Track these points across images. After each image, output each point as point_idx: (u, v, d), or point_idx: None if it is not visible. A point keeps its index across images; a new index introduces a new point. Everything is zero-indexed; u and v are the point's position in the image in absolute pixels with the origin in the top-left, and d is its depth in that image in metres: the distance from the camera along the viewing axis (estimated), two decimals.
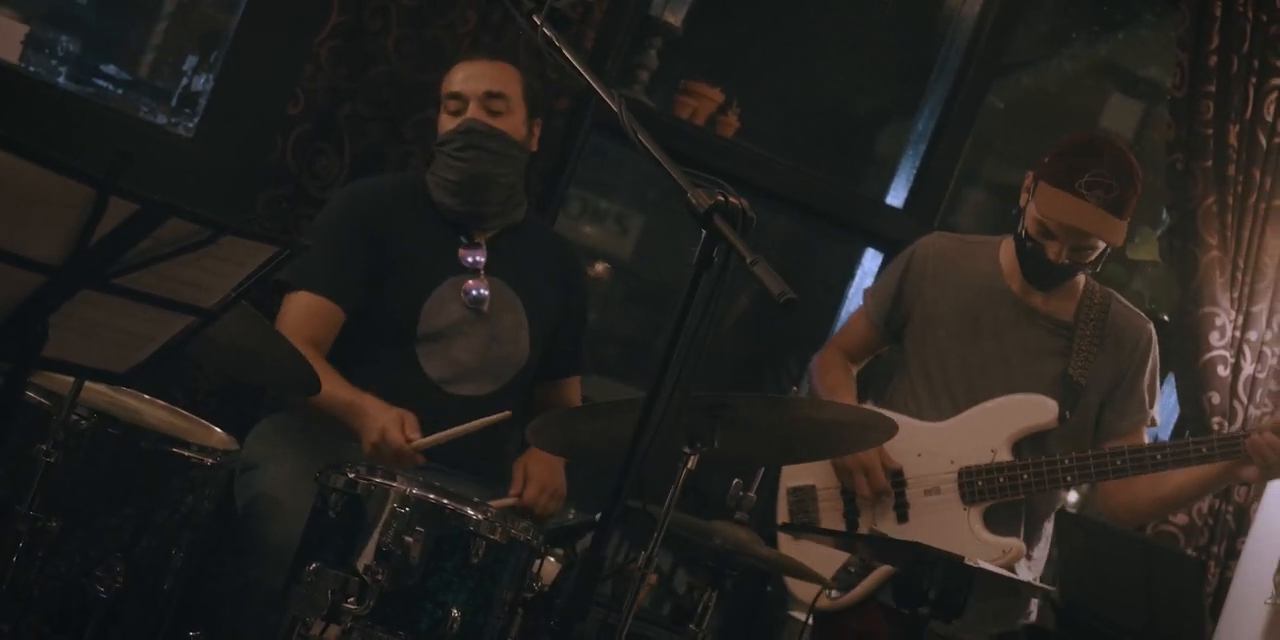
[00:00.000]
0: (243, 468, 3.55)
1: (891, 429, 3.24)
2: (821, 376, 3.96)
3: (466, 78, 3.68)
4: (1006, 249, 3.86)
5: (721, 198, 2.48)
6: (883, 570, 3.72)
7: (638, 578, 2.99)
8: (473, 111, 3.65)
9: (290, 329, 3.42)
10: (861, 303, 4.03)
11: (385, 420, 3.37)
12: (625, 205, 5.52)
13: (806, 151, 5.21)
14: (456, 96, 3.68)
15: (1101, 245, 3.69)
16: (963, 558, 3.11)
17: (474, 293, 3.67)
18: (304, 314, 3.54)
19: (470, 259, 3.69)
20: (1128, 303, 3.91)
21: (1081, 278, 3.84)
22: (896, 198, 5.03)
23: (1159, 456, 3.59)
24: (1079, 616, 2.56)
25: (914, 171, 5.00)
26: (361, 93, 4.16)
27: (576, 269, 3.97)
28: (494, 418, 3.35)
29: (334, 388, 3.41)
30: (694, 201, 2.48)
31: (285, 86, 4.07)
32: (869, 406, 3.84)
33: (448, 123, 3.68)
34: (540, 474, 3.66)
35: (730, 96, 4.81)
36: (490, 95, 3.65)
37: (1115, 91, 6.02)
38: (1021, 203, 3.77)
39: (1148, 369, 3.83)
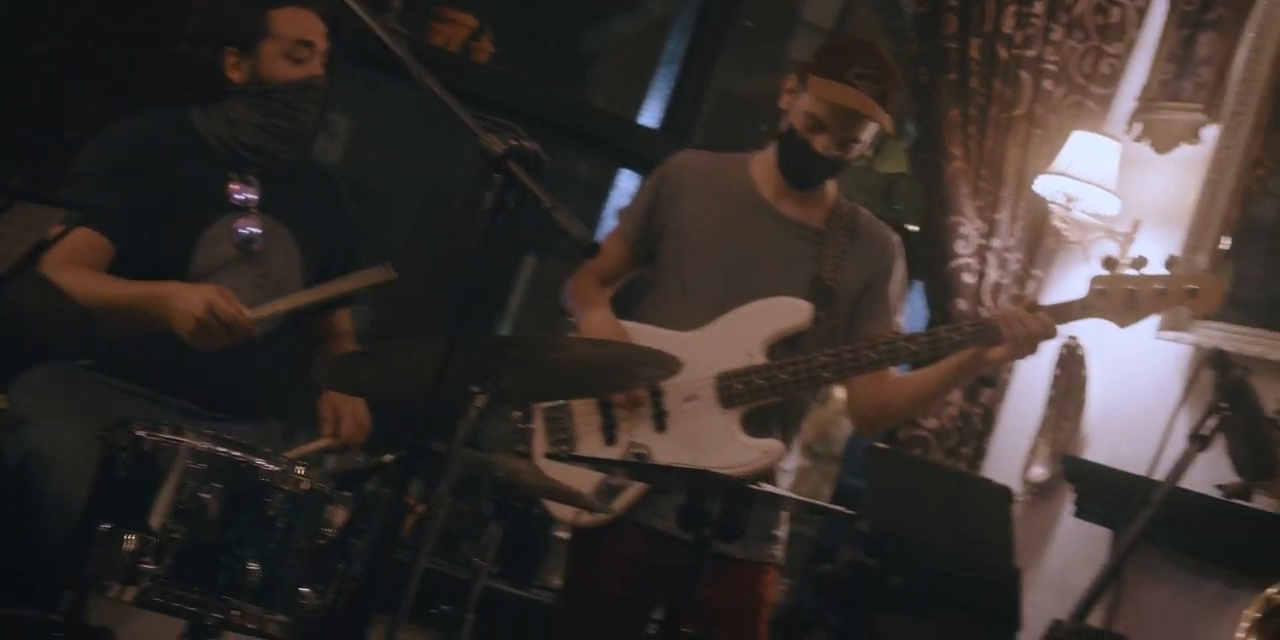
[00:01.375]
0: (11, 423, 3.45)
1: (675, 366, 3.28)
2: (575, 299, 3.98)
3: (311, 27, 3.63)
4: (759, 162, 3.89)
5: (515, 142, 2.47)
6: (636, 488, 3.76)
7: (431, 514, 3.01)
8: (317, 65, 3.60)
9: (61, 260, 3.33)
10: (616, 223, 4.05)
11: (206, 294, 3.35)
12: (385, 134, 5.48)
13: (560, 75, 5.22)
14: (307, 44, 3.62)
15: (864, 140, 3.75)
16: (745, 482, 3.17)
17: (244, 231, 3.62)
18: (76, 245, 3.43)
19: (241, 197, 3.63)
20: (872, 215, 3.97)
21: (833, 189, 3.90)
22: (651, 118, 5.06)
23: (912, 346, 3.65)
24: (892, 547, 2.65)
25: (669, 92, 5.03)
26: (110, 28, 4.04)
27: (342, 199, 3.93)
28: (362, 280, 3.34)
29: (126, 286, 3.36)
30: (487, 146, 2.47)
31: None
32: (628, 324, 3.86)
33: (284, 68, 3.61)
34: (350, 408, 3.66)
35: (483, 22, 4.78)
36: (319, 48, 3.63)
37: None
38: (785, 104, 3.81)
39: (894, 277, 3.89)
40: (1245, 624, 2.70)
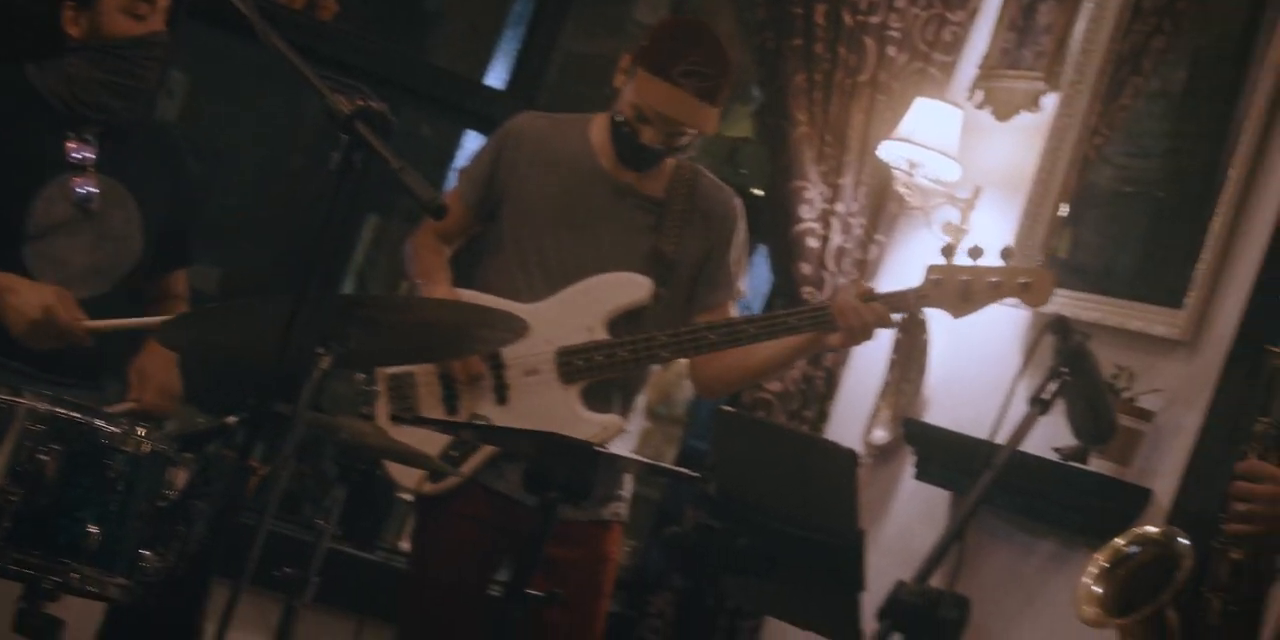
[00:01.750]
0: None
1: (523, 329, 3.27)
2: (416, 260, 3.95)
3: None
4: (598, 126, 3.87)
5: (362, 102, 2.44)
6: (484, 452, 3.76)
7: (274, 476, 2.98)
8: (158, 21, 3.53)
9: None
10: (456, 183, 4.02)
11: (46, 298, 3.28)
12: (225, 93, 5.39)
13: (405, 34, 5.16)
14: (148, 0, 3.54)
15: (692, 133, 3.76)
16: (592, 444, 3.18)
17: (80, 191, 3.54)
18: None
19: (78, 156, 3.55)
20: (715, 178, 3.98)
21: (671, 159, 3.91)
22: (497, 79, 5.02)
23: (750, 329, 3.67)
24: (738, 510, 2.66)
25: (515, 52, 5.00)
26: None
27: (184, 159, 3.86)
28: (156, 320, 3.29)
29: None
30: (334, 107, 2.43)
31: None
32: (469, 294, 3.85)
33: (124, 23, 3.53)
34: (156, 374, 3.61)
35: None
36: (160, 4, 3.56)
37: None
38: (618, 83, 3.80)
39: (735, 242, 3.90)
40: (1094, 570, 2.76)
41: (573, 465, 3.10)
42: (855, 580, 2.59)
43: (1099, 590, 2.79)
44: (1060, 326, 2.66)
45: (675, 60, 3.65)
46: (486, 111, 4.98)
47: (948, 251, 3.61)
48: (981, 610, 4.48)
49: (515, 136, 3.89)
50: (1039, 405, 2.62)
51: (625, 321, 3.78)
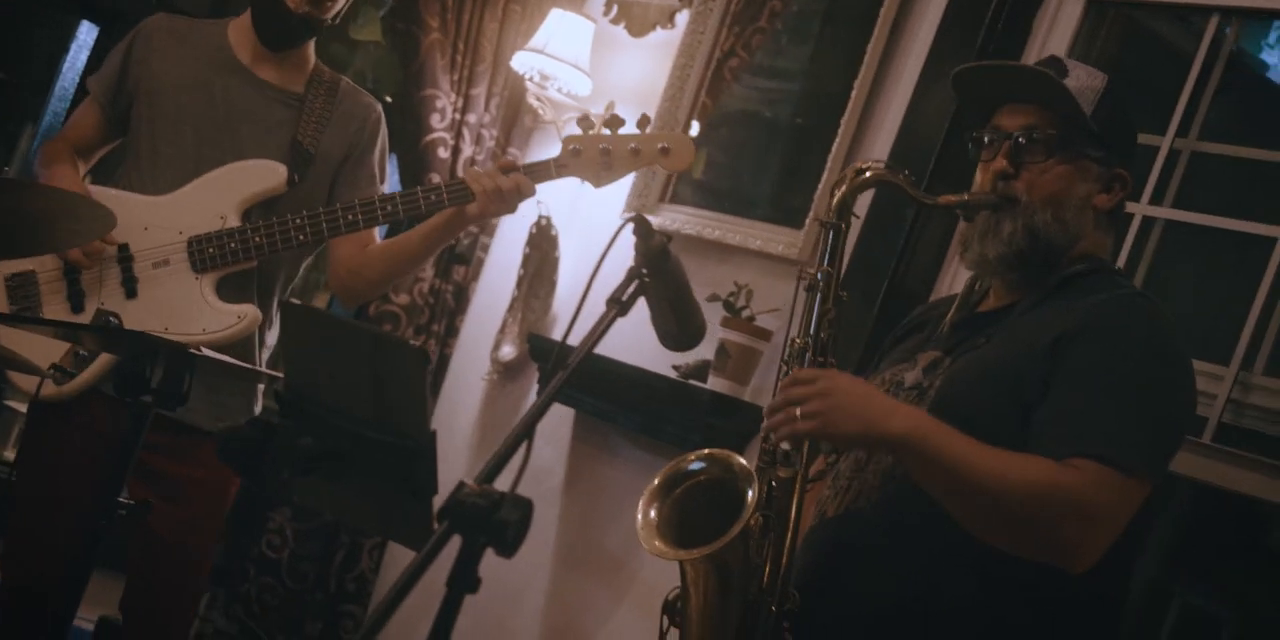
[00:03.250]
0: None
1: (109, 219, 3.11)
2: (41, 159, 3.74)
3: None
4: (236, 27, 3.76)
5: None
6: (105, 359, 3.58)
7: None
8: None
9: None
10: (89, 91, 3.82)
11: None
12: None
13: None
14: None
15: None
16: (187, 347, 3.01)
17: None
18: None
19: None
20: (356, 85, 3.88)
21: (312, 54, 3.79)
22: None
23: (390, 206, 3.56)
24: (306, 406, 2.52)
25: None
26: None
27: None
28: None
29: None
30: None
31: None
32: (95, 188, 3.65)
33: None
34: None
35: None
36: None
37: None
38: None
39: (377, 146, 3.82)
40: (647, 495, 2.70)
41: (168, 367, 2.94)
42: (426, 484, 2.47)
43: (653, 515, 2.73)
44: (642, 227, 2.57)
45: None
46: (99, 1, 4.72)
47: (584, 122, 3.53)
48: (596, 526, 4.50)
49: (146, 34, 3.74)
50: (616, 306, 2.53)
51: (262, 212, 3.65)
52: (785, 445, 2.57)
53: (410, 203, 3.56)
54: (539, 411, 2.50)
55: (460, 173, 4.94)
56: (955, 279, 4.00)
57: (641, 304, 2.64)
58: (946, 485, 2.42)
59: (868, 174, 2.63)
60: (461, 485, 2.29)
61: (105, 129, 3.78)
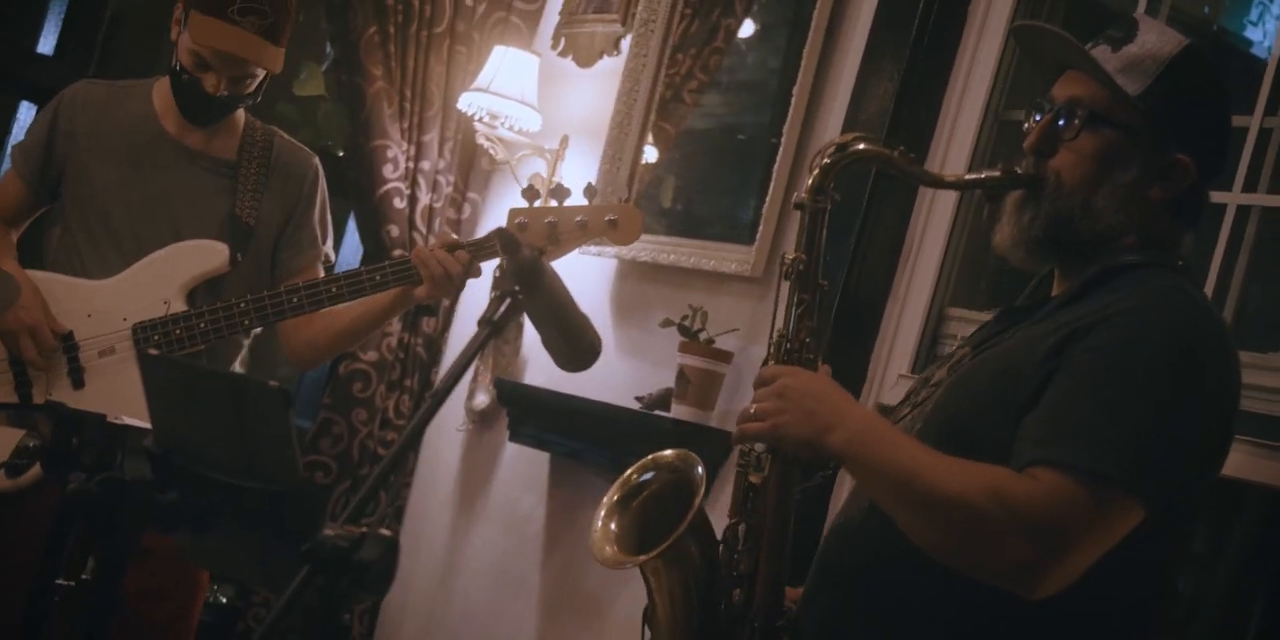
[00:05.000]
0: None
1: (14, 292, 3.08)
2: None
3: None
4: (160, 89, 3.65)
5: None
6: None
7: None
8: None
9: None
10: (10, 160, 3.75)
11: None
12: None
13: None
14: None
15: (260, 74, 3.54)
16: (105, 415, 2.92)
17: None
18: None
19: None
20: (291, 139, 3.78)
21: (242, 115, 3.68)
22: (47, 46, 4.71)
23: (334, 289, 3.48)
24: (175, 460, 2.41)
25: (62, 17, 4.70)
26: None
27: None
28: None
29: None
30: None
31: None
32: (37, 274, 3.58)
33: None
34: None
35: None
36: None
37: None
38: (173, 36, 3.57)
39: (316, 204, 3.72)
40: (605, 505, 2.57)
41: (96, 441, 2.84)
42: (304, 529, 2.35)
43: (614, 527, 2.60)
44: (509, 243, 2.44)
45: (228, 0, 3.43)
46: (40, 81, 4.66)
47: (530, 194, 3.42)
48: (579, 569, 4.36)
49: (70, 105, 3.65)
50: (488, 326, 2.40)
51: (206, 291, 3.57)
52: (758, 447, 2.41)
53: (354, 284, 3.48)
54: (404, 444, 2.36)
55: (419, 223, 4.84)
56: (912, 282, 3.85)
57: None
58: (889, 496, 2.22)
59: (855, 148, 2.39)
60: (326, 528, 2.18)
61: (32, 199, 3.70)
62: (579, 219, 3.41)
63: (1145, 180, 2.33)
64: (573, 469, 4.48)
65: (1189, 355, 2.17)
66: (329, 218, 3.78)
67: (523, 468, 4.65)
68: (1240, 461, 2.28)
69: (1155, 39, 2.34)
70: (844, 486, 3.41)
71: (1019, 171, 2.39)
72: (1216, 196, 3.35)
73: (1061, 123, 2.35)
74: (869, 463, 2.22)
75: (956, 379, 2.35)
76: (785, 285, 2.45)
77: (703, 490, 2.47)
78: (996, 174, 2.40)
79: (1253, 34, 4.42)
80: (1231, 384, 2.24)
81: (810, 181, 2.41)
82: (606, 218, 3.41)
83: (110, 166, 3.60)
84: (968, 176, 2.49)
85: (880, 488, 2.24)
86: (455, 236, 3.54)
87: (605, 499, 2.60)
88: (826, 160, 2.41)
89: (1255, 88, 3.44)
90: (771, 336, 2.47)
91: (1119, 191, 2.32)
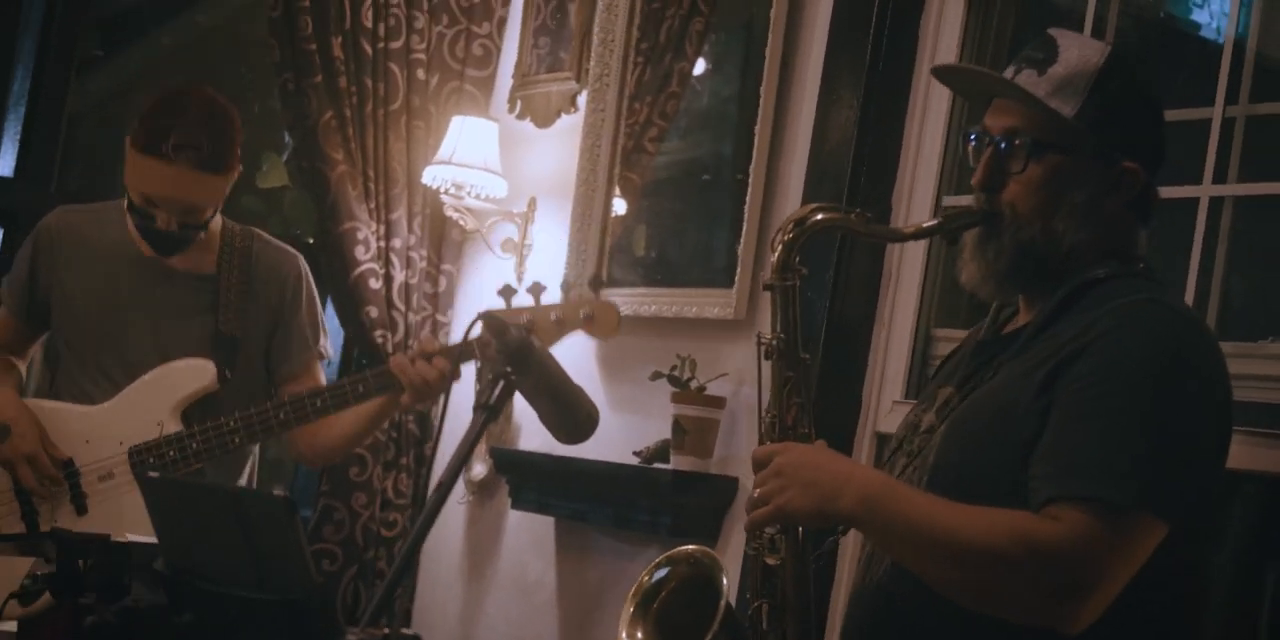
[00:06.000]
0: None
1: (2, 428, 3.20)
2: None
3: None
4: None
5: None
6: None
7: None
8: None
9: None
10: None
11: None
12: None
13: None
14: None
15: (211, 204, 3.55)
16: (109, 535, 2.92)
17: None
18: None
19: None
20: (272, 239, 3.78)
21: (218, 224, 3.68)
22: (5, 166, 4.72)
23: (319, 403, 3.52)
24: (187, 581, 2.41)
25: (18, 136, 4.71)
26: None
27: None
28: None
29: None
30: None
31: None
32: (36, 402, 3.63)
33: None
34: None
35: None
36: None
37: None
38: (127, 172, 3.57)
39: (303, 305, 3.73)
40: (625, 619, 2.56)
41: (102, 562, 2.84)
42: (325, 636, 2.35)
43: (640, 637, 2.59)
44: (496, 325, 2.45)
45: (164, 136, 3.43)
46: None
47: (506, 293, 3.42)
48: (593, 631, 4.35)
49: (48, 235, 3.69)
50: (485, 411, 2.41)
51: (201, 408, 3.59)
52: (769, 530, 2.42)
53: (339, 396, 3.51)
54: (414, 543, 2.35)
55: (397, 301, 4.85)
56: (895, 307, 3.86)
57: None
58: (909, 554, 2.23)
59: (813, 220, 2.42)
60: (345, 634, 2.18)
61: (26, 331, 3.76)
62: (555, 316, 3.42)
63: (1099, 194, 2.35)
64: (577, 530, 4.48)
65: (1172, 365, 2.19)
66: (320, 316, 3.80)
67: (527, 534, 4.64)
68: (1234, 451, 2.30)
69: (1078, 54, 2.35)
70: (848, 545, 3.42)
71: (973, 209, 2.40)
72: (1187, 191, 3.37)
73: (1006, 155, 2.36)
74: (883, 523, 2.22)
75: (952, 424, 2.35)
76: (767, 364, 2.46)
77: (725, 589, 2.46)
78: (951, 217, 2.42)
79: (1199, 16, 4.44)
80: (1220, 379, 2.26)
81: (775, 260, 2.44)
82: (583, 312, 3.42)
83: (92, 293, 3.64)
84: (925, 224, 2.50)
85: (899, 546, 2.25)
86: (437, 343, 3.55)
87: (624, 610, 2.58)
88: (788, 237, 2.43)
89: (1210, 75, 3.45)
90: (761, 417, 2.47)
91: (1076, 210, 2.34)
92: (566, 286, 3.71)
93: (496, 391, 2.48)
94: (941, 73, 2.54)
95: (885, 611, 2.36)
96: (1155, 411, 2.16)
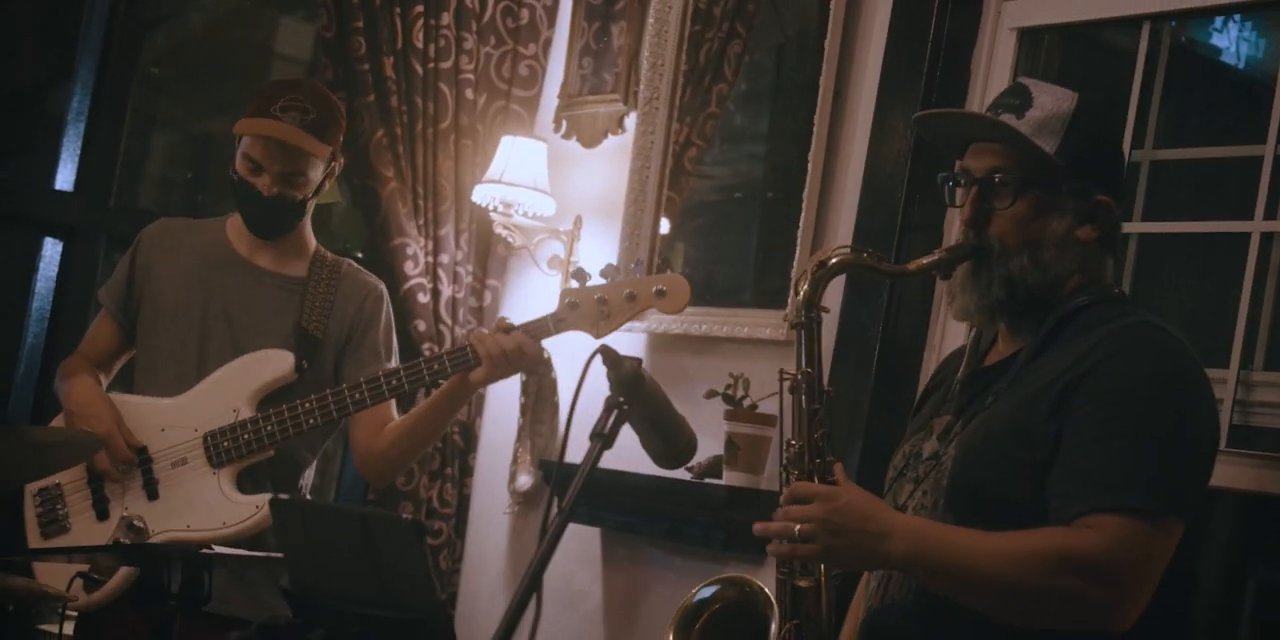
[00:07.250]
0: None
1: (92, 444, 3.26)
2: (61, 375, 3.83)
3: None
4: (233, 222, 3.84)
5: None
6: (129, 569, 3.60)
7: None
8: None
9: None
10: (100, 303, 3.92)
11: None
12: None
13: None
14: None
15: (309, 173, 3.68)
16: (197, 546, 3.03)
17: None
18: None
19: None
20: (361, 267, 3.93)
21: (309, 240, 3.85)
22: (65, 181, 4.80)
23: (395, 381, 3.59)
24: (311, 599, 2.53)
25: (79, 151, 4.79)
26: None
27: None
28: None
29: None
30: None
31: None
32: (116, 395, 3.75)
33: None
34: None
35: None
36: None
37: (283, 17, 6.03)
38: (237, 152, 3.74)
39: (380, 324, 3.84)
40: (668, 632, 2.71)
41: (185, 570, 2.96)
42: None
43: None
44: (610, 356, 2.58)
45: (274, 100, 3.65)
46: (61, 217, 4.77)
47: (579, 275, 3.55)
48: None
49: (148, 240, 3.86)
50: (600, 440, 2.54)
51: (274, 401, 3.69)
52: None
53: (414, 374, 3.60)
54: (541, 561, 2.48)
55: (444, 316, 4.96)
56: (945, 330, 3.98)
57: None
58: (960, 589, 2.41)
59: (831, 262, 2.62)
60: None
61: (121, 339, 3.87)
62: (628, 292, 3.55)
63: (1076, 226, 2.57)
64: (625, 541, 4.58)
65: (1173, 381, 2.43)
66: (393, 338, 3.90)
67: (573, 544, 4.74)
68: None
69: (1051, 100, 2.58)
70: None
71: (965, 245, 2.61)
72: (1239, 226, 3.52)
73: (991, 193, 2.57)
74: (933, 565, 2.40)
75: (963, 449, 2.54)
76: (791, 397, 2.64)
77: (768, 608, 2.60)
78: (945, 254, 2.63)
79: (1218, 40, 4.57)
80: (1208, 388, 2.49)
81: (800, 299, 2.62)
82: (654, 288, 3.55)
83: (180, 289, 3.78)
84: (925, 260, 2.67)
85: (948, 584, 2.42)
86: (509, 321, 3.64)
87: (669, 625, 2.72)
88: (812, 277, 2.62)
89: (1261, 112, 3.57)
90: (784, 448, 2.64)
91: (1057, 241, 2.56)
92: (608, 272, 3.66)
93: (611, 421, 2.61)
94: (924, 121, 2.73)
95: (914, 632, 2.54)
96: (1165, 425, 2.40)
